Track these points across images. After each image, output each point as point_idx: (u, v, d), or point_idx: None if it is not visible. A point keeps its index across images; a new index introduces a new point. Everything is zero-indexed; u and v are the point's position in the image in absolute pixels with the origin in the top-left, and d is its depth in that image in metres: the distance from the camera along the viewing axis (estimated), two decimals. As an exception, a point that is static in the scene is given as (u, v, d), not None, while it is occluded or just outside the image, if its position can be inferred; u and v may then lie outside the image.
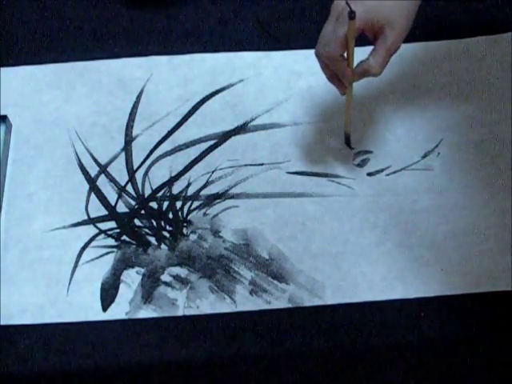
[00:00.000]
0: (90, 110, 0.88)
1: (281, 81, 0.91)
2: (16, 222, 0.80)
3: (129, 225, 0.80)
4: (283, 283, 0.76)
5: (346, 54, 0.72)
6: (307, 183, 0.83)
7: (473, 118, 0.87)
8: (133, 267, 0.77)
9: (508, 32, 0.94)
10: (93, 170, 0.84)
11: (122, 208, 0.81)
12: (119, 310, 0.74)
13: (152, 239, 0.79)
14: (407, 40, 0.72)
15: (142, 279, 0.76)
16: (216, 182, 0.83)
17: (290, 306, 0.74)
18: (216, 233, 0.79)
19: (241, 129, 0.87)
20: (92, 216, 0.80)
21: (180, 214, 0.81)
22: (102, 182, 0.83)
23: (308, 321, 0.74)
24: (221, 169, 0.84)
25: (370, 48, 0.72)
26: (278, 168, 0.84)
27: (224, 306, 0.75)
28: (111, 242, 0.79)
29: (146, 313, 0.74)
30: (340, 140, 0.85)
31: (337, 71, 0.73)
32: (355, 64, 0.73)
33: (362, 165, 0.84)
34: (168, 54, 0.93)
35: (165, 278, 0.77)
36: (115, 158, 0.85)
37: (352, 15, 0.66)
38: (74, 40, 0.94)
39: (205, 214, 0.81)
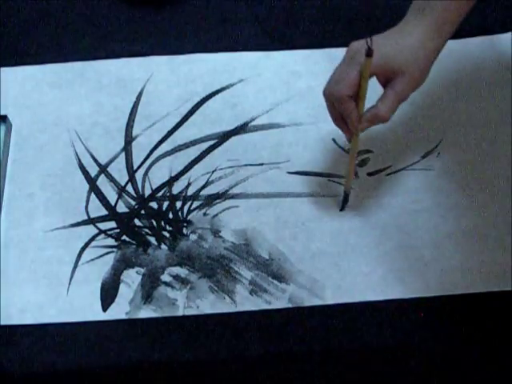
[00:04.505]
0: (90, 110, 0.88)
1: (281, 81, 0.91)
2: (16, 222, 0.80)
3: (129, 225, 0.80)
4: (283, 283, 0.76)
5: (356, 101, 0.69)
6: (307, 183, 0.83)
7: (473, 118, 0.87)
8: (133, 267, 0.77)
9: (508, 32, 0.94)
10: (93, 169, 0.84)
11: (122, 208, 0.81)
12: (119, 310, 0.74)
13: (152, 239, 0.79)
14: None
15: (142, 279, 0.76)
16: (216, 182, 0.83)
17: (290, 305, 0.74)
18: (216, 233, 0.79)
19: (241, 129, 0.87)
20: (92, 216, 0.80)
21: (180, 213, 0.81)
22: (102, 182, 0.83)
23: (308, 321, 0.74)
24: (221, 169, 0.84)
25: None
26: (277, 168, 0.84)
27: (224, 306, 0.75)
28: (111, 242, 0.79)
29: (146, 313, 0.74)
30: (340, 140, 0.85)
31: (344, 113, 0.69)
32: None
33: (362, 165, 0.84)
34: (168, 53, 0.93)
35: (165, 277, 0.77)
36: (115, 157, 0.85)
37: (369, 52, 0.64)
38: (74, 40, 0.95)
39: (205, 214, 0.81)
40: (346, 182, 0.79)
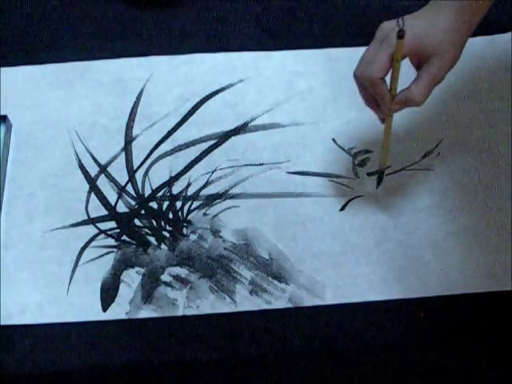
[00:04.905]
0: (89, 110, 0.88)
1: (281, 81, 0.91)
2: (16, 222, 0.80)
3: (129, 225, 0.80)
4: (283, 283, 0.76)
5: (388, 80, 0.68)
6: (307, 183, 0.83)
7: (473, 117, 0.87)
8: (133, 267, 0.77)
9: (508, 32, 0.94)
10: (93, 169, 0.84)
11: (122, 208, 0.81)
12: (119, 310, 0.74)
13: (152, 239, 0.79)
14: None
15: (142, 279, 0.76)
16: (216, 182, 0.83)
17: (290, 305, 0.74)
18: (216, 233, 0.79)
19: (241, 129, 0.87)
20: (92, 216, 0.80)
21: (180, 213, 0.81)
22: (102, 182, 0.83)
23: (308, 321, 0.74)
24: (221, 169, 0.84)
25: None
26: (277, 168, 0.84)
27: (224, 306, 0.75)
28: (111, 242, 0.79)
29: (146, 313, 0.74)
30: (340, 140, 0.85)
31: (376, 95, 0.68)
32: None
33: (361, 165, 0.84)
34: (168, 53, 0.93)
35: (165, 277, 0.77)
36: (115, 158, 0.85)
37: (401, 33, 0.62)
38: (74, 40, 0.94)
39: (205, 214, 0.81)
40: (380, 161, 0.79)
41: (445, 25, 0.67)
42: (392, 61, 0.66)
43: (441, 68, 0.67)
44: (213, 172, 0.84)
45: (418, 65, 0.68)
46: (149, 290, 0.76)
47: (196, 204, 0.81)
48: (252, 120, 0.87)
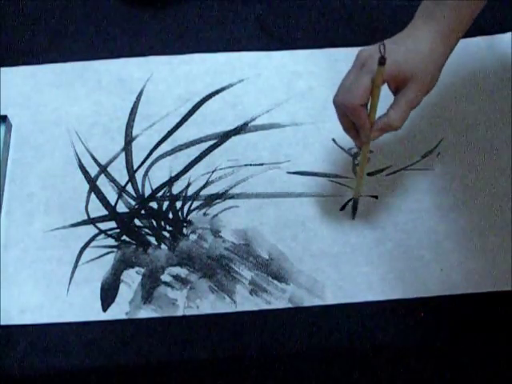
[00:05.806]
0: (90, 109, 0.88)
1: (281, 81, 0.91)
2: (16, 222, 0.80)
3: (129, 225, 0.80)
4: (283, 283, 0.76)
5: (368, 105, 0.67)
6: (307, 183, 0.83)
7: (473, 117, 0.87)
8: (133, 267, 0.77)
9: (508, 32, 0.94)
10: (93, 169, 0.84)
11: (122, 208, 0.81)
12: (119, 310, 0.74)
13: (152, 239, 0.79)
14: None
15: (142, 279, 0.76)
16: (216, 182, 0.83)
17: (290, 305, 0.74)
18: (216, 233, 0.79)
19: (241, 129, 0.87)
20: (92, 216, 0.80)
21: (180, 213, 0.81)
22: (102, 182, 0.83)
23: (308, 321, 0.74)
24: (221, 169, 0.84)
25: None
26: (277, 168, 0.84)
27: (224, 306, 0.75)
28: (111, 242, 0.79)
29: (146, 313, 0.74)
30: (340, 140, 0.85)
31: (356, 122, 0.67)
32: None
33: (362, 165, 0.84)
34: (168, 53, 0.93)
35: (165, 278, 0.77)
36: (115, 158, 0.85)
37: (383, 60, 0.62)
38: (74, 40, 0.95)
39: (205, 214, 0.81)
40: (355, 189, 0.78)
41: (422, 49, 0.67)
42: (372, 87, 0.65)
43: (418, 93, 0.67)
44: (213, 172, 0.84)
45: (396, 89, 0.68)
46: (149, 290, 0.76)
47: (196, 204, 0.81)
48: (252, 120, 0.87)
